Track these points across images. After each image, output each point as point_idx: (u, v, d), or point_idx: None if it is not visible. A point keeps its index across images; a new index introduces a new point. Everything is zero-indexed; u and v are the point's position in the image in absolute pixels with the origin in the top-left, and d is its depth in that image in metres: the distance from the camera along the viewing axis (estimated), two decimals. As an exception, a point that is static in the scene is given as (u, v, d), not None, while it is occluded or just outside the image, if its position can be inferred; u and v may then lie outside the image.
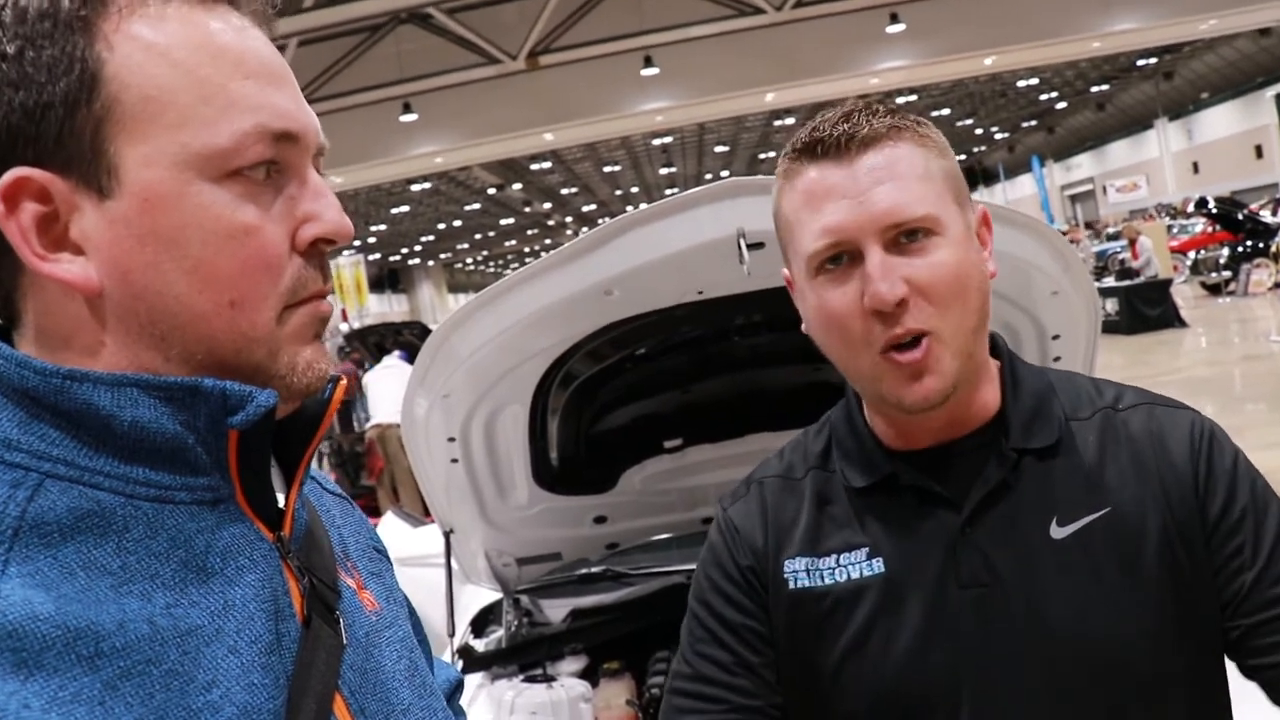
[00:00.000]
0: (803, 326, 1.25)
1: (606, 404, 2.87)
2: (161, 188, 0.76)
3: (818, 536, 1.25)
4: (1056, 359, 2.55)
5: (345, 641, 0.86)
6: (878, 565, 1.20)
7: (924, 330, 1.12)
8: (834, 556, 1.23)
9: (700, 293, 2.31)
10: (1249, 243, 20.51)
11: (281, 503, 0.87)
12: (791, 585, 1.24)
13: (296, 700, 0.78)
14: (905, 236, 1.13)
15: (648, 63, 18.04)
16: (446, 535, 2.83)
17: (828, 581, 1.22)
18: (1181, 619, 1.15)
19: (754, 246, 1.98)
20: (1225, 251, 21.13)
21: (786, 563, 1.25)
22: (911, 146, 1.16)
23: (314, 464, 0.98)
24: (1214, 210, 22.18)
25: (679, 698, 1.29)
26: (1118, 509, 1.17)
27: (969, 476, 1.19)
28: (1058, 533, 1.16)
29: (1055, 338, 2.51)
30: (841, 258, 1.15)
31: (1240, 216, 21.48)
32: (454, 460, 2.69)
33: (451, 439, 2.63)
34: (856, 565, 1.21)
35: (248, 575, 0.80)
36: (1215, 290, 20.89)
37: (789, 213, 1.20)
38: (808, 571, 1.23)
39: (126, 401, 0.75)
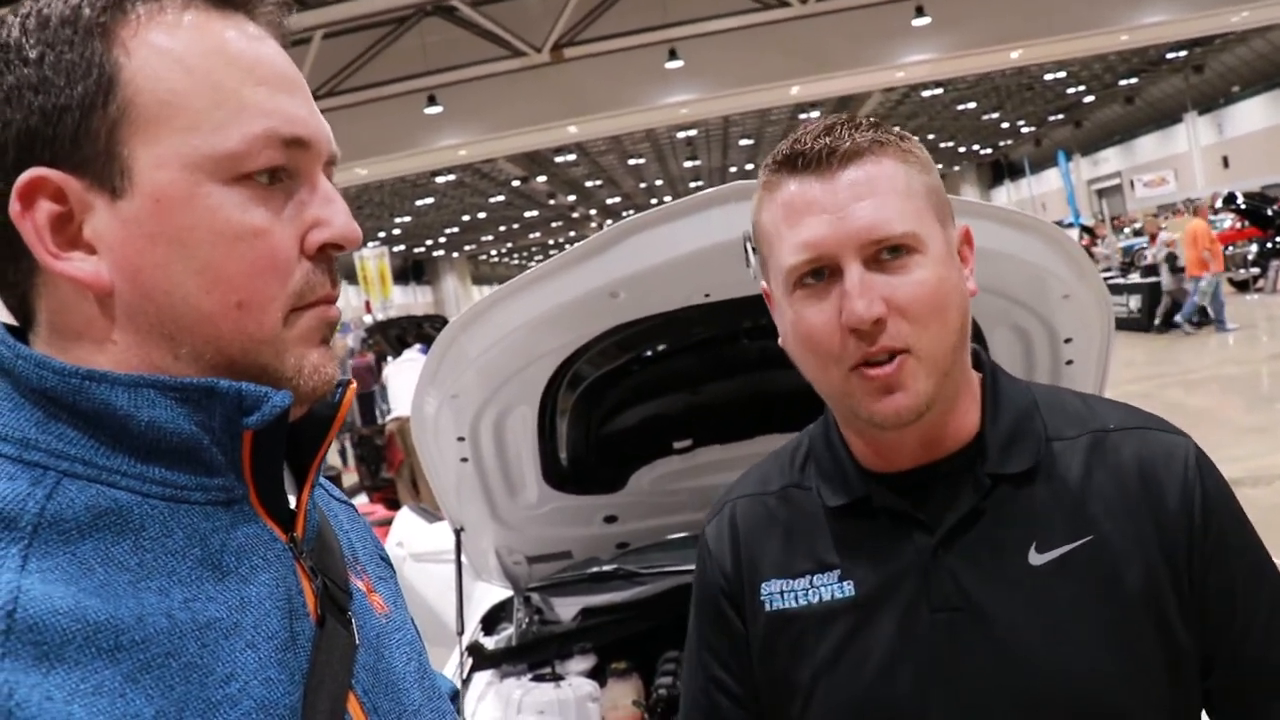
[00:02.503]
0: (779, 340, 1.24)
1: (615, 405, 2.87)
2: (172, 189, 0.77)
3: (791, 557, 1.24)
4: (1069, 362, 2.54)
5: (358, 642, 0.88)
6: (848, 588, 1.19)
7: (900, 348, 1.10)
8: (807, 578, 1.22)
9: (707, 295, 2.31)
10: (1278, 239, 20.29)
11: (293, 504, 0.89)
12: (768, 608, 1.24)
13: (312, 697, 0.79)
14: (886, 253, 1.11)
15: (672, 55, 17.99)
16: (457, 533, 2.84)
17: (801, 603, 1.22)
18: (1161, 657, 1.12)
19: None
20: (1254, 248, 20.92)
21: (763, 585, 1.25)
22: (894, 162, 1.14)
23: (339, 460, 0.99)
24: (1242, 205, 21.99)
25: None
26: (1101, 539, 1.13)
27: (944, 500, 1.17)
28: (1036, 559, 1.14)
29: (1068, 341, 2.49)
30: (821, 273, 1.13)
31: (1269, 212, 21.27)
32: (464, 459, 2.70)
33: (461, 438, 2.64)
34: (829, 587, 1.20)
35: (262, 574, 0.81)
36: (1243, 287, 20.69)
37: (768, 225, 1.18)
38: (782, 594, 1.23)
39: (144, 402, 0.77)
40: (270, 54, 0.83)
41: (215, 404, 0.79)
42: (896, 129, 1.19)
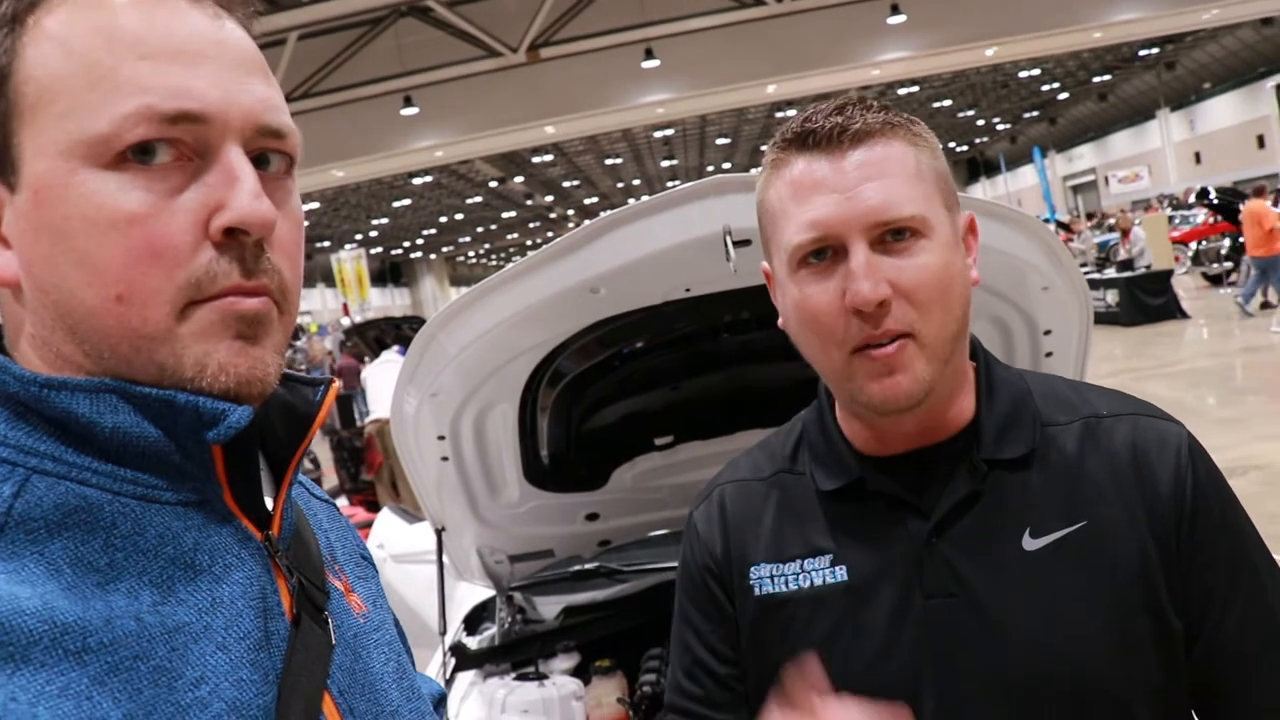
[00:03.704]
0: (779, 321, 1.22)
1: (596, 401, 2.85)
2: (49, 178, 0.74)
3: (782, 541, 1.23)
4: (1049, 354, 2.54)
5: (334, 641, 0.86)
6: (840, 573, 1.18)
7: (903, 332, 1.09)
8: (798, 562, 1.21)
9: (688, 290, 2.30)
10: (1251, 233, 20.43)
11: (270, 504, 0.87)
12: (757, 591, 1.23)
13: (286, 698, 0.78)
14: (892, 236, 1.10)
15: (649, 55, 18.00)
16: (438, 533, 2.82)
17: (791, 587, 1.21)
18: (1154, 640, 1.12)
19: (740, 244, 1.96)
20: (1226, 242, 21.05)
21: (752, 569, 1.24)
22: (904, 145, 1.14)
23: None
24: (1215, 201, 22.10)
25: (668, 709, 1.33)
26: (1095, 523, 1.13)
27: (939, 485, 1.16)
28: (1030, 545, 1.13)
29: (1047, 333, 2.50)
30: (825, 252, 1.12)
31: (1241, 207, 21.39)
32: (444, 458, 2.68)
33: (441, 437, 2.62)
34: (820, 572, 1.19)
35: (235, 573, 0.80)
36: (1216, 281, 20.84)
37: (774, 203, 1.16)
38: (772, 578, 1.22)
39: (106, 408, 0.75)
40: (171, 25, 0.77)
41: (176, 415, 0.76)
42: (905, 114, 1.17)
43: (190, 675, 0.73)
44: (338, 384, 0.93)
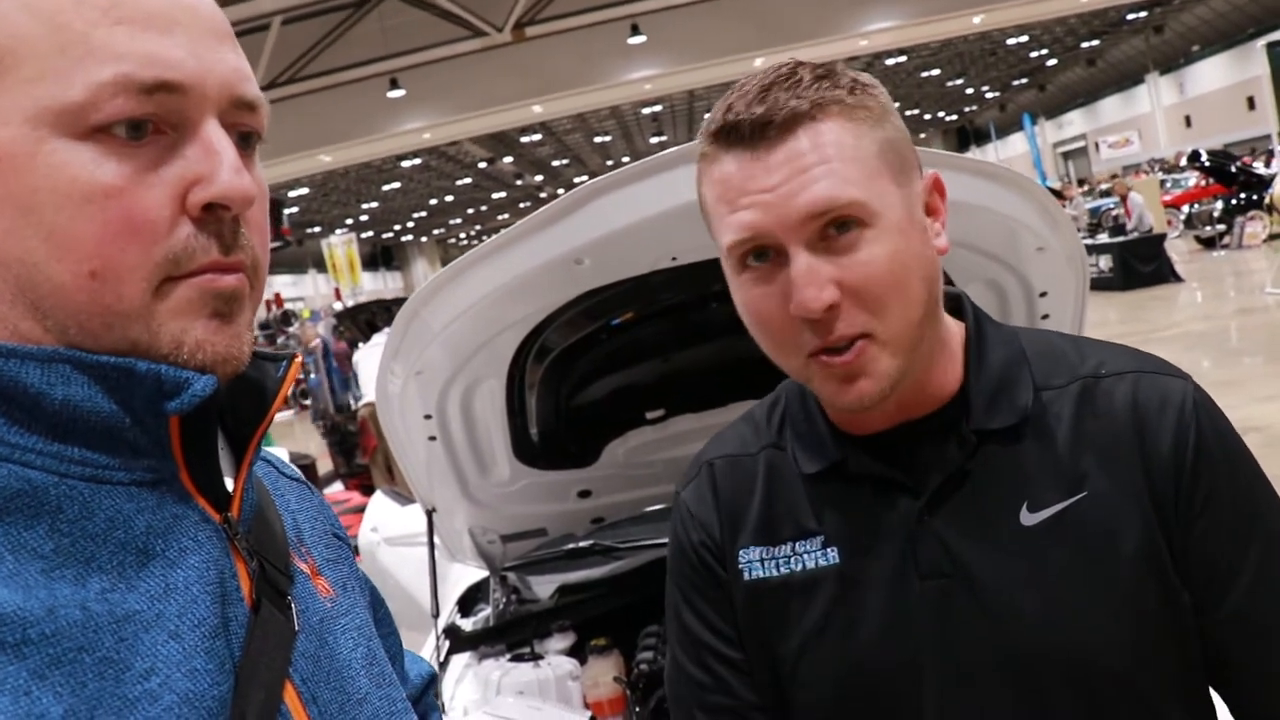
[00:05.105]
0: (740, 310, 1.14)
1: (585, 376, 2.82)
2: (13, 147, 0.70)
3: (772, 523, 1.17)
4: (1045, 316, 2.51)
5: (297, 627, 0.82)
6: (832, 555, 1.13)
7: (858, 334, 1.02)
8: (789, 544, 1.15)
9: (674, 259, 2.25)
10: (1242, 195, 20.43)
11: (230, 484, 0.82)
12: (747, 576, 1.17)
13: (244, 688, 0.74)
14: (833, 229, 1.01)
15: (635, 31, 17.95)
16: (429, 514, 2.79)
17: (783, 571, 1.15)
18: (1161, 615, 1.06)
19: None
20: (1219, 205, 21.06)
21: (741, 552, 1.18)
22: (838, 124, 1.02)
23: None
24: (1207, 163, 22.11)
25: (679, 707, 1.25)
26: (1095, 494, 1.06)
27: (929, 461, 1.10)
28: (1028, 519, 1.07)
29: (1043, 295, 2.46)
30: (766, 254, 1.03)
31: (1233, 169, 21.39)
32: (432, 438, 2.65)
33: (428, 416, 2.58)
34: (811, 555, 1.14)
35: (191, 557, 0.75)
36: (1209, 244, 20.85)
37: (708, 203, 1.09)
38: (762, 561, 1.16)
39: (58, 379, 0.71)
40: None
41: (134, 385, 0.72)
42: (850, 75, 1.07)
43: (139, 666, 0.69)
44: (300, 358, 0.90)
